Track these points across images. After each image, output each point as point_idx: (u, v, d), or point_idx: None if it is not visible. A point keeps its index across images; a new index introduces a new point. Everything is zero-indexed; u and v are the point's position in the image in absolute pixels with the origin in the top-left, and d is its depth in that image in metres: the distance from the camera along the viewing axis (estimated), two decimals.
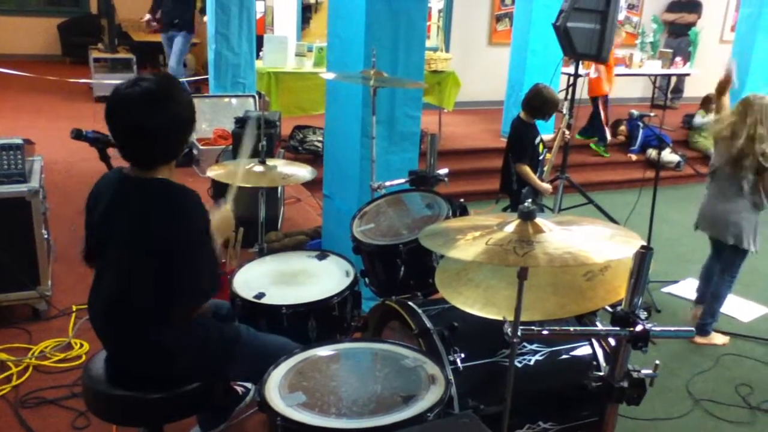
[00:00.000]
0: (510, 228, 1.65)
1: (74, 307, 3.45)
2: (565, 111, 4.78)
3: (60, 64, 9.83)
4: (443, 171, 3.04)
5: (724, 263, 3.78)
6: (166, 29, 7.73)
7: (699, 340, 3.85)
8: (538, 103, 4.47)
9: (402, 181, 3.14)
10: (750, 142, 3.47)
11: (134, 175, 1.95)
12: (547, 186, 4.53)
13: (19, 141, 3.26)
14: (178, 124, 1.90)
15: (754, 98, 3.55)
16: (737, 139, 3.50)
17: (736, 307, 4.35)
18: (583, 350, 2.17)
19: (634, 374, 1.69)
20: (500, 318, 1.74)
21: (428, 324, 2.09)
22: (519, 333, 1.67)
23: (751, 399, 3.37)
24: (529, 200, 1.73)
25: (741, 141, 3.48)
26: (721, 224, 3.67)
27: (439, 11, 9.04)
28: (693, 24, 9.61)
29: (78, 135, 2.61)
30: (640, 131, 7.57)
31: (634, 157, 7.72)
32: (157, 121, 1.86)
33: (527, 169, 4.41)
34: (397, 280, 2.57)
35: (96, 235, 2.00)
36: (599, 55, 5.65)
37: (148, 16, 7.97)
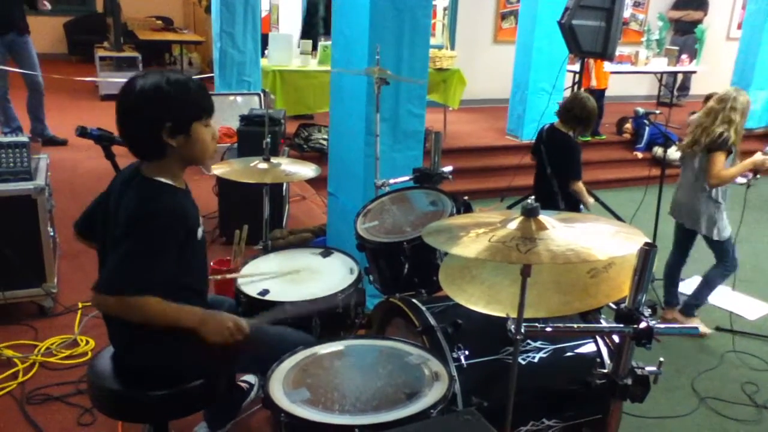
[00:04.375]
0: (513, 225, 1.65)
1: (80, 304, 3.46)
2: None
3: (66, 62, 9.88)
4: (447, 168, 3.04)
5: (716, 257, 3.86)
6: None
7: (678, 316, 3.96)
8: (583, 113, 4.14)
9: (406, 178, 3.13)
10: (708, 128, 3.62)
11: (143, 174, 1.97)
12: (592, 200, 4.31)
13: (25, 139, 3.28)
14: (153, 122, 1.90)
15: (731, 91, 3.69)
16: (699, 127, 3.67)
17: (743, 305, 4.34)
18: (588, 347, 2.16)
19: (638, 371, 1.69)
20: (504, 315, 1.73)
21: (432, 321, 2.09)
22: (522, 330, 1.67)
23: (757, 397, 3.36)
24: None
25: (702, 128, 3.66)
26: (690, 213, 3.80)
27: (444, 9, 9.04)
28: (699, 21, 9.58)
29: (83, 132, 2.63)
30: (646, 129, 7.56)
31: (639, 154, 7.71)
32: (136, 117, 1.90)
33: (582, 186, 4.12)
34: (401, 278, 2.57)
35: (103, 229, 2.02)
36: (605, 53, 5.65)
37: None
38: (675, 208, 3.94)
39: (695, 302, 3.94)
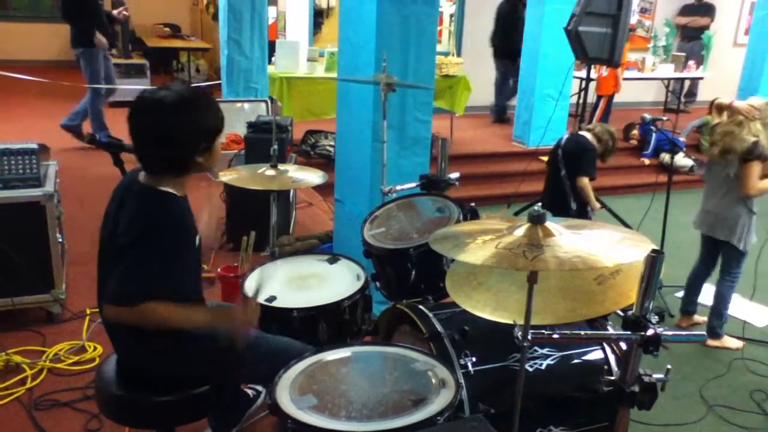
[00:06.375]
0: (520, 232, 1.65)
1: (88, 310, 3.48)
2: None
3: (75, 69, 9.86)
4: (454, 175, 3.04)
5: (723, 264, 3.80)
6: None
7: (711, 342, 3.84)
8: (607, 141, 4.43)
9: (413, 185, 3.14)
10: (738, 135, 3.56)
11: (143, 182, 1.97)
12: (598, 205, 4.43)
13: (34, 146, 3.30)
14: (188, 135, 1.92)
15: (755, 100, 3.67)
16: (729, 135, 3.59)
17: (750, 312, 4.31)
18: (595, 355, 2.16)
19: (646, 378, 1.68)
20: (511, 322, 1.73)
21: (439, 328, 2.09)
22: (529, 337, 1.67)
23: (766, 405, 3.33)
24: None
25: (732, 135, 3.57)
26: (714, 220, 3.73)
27: (451, 16, 9.06)
28: (706, 27, 9.56)
29: (92, 140, 2.64)
30: (653, 135, 7.55)
31: (647, 161, 7.70)
32: (167, 129, 1.90)
33: (589, 185, 4.22)
34: (407, 284, 2.57)
35: (102, 238, 2.03)
36: (611, 59, 5.64)
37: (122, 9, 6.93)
38: (703, 219, 3.81)
39: (719, 322, 3.85)
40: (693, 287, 4.05)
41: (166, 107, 1.89)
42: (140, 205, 1.94)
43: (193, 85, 1.99)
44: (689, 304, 4.08)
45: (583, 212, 4.32)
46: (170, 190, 1.96)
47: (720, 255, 3.83)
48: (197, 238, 2.03)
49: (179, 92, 1.91)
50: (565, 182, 4.28)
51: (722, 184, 3.69)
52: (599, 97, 7.53)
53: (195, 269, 2.11)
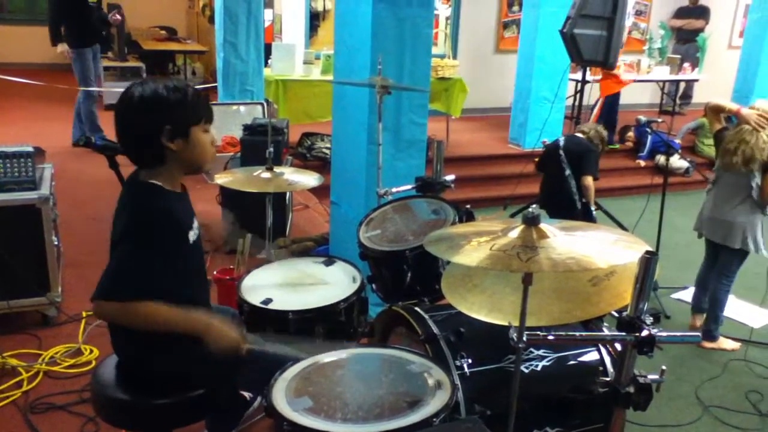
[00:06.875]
0: (514, 233, 1.65)
1: (84, 313, 3.48)
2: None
3: (70, 72, 9.91)
4: (449, 177, 3.05)
5: (721, 267, 3.80)
6: (92, 42, 6.52)
7: (707, 344, 3.85)
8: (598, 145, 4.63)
9: (408, 187, 3.14)
10: (756, 143, 3.53)
11: (139, 178, 1.98)
12: (594, 208, 4.57)
13: (29, 149, 3.30)
14: (152, 126, 1.91)
15: (762, 104, 3.63)
16: (745, 143, 3.55)
17: (746, 313, 4.33)
18: (591, 356, 2.16)
19: (641, 379, 1.68)
20: (506, 323, 1.74)
21: (435, 329, 2.10)
22: (524, 338, 1.67)
23: (761, 406, 3.35)
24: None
25: (750, 144, 3.53)
26: (727, 228, 3.68)
27: (446, 18, 9.07)
28: (701, 30, 9.59)
29: (87, 142, 2.65)
30: (649, 137, 7.58)
31: (642, 163, 7.72)
32: (135, 123, 1.92)
33: (592, 182, 4.31)
34: (403, 286, 2.57)
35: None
36: (606, 62, 5.67)
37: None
38: (714, 227, 3.76)
39: (715, 325, 3.86)
40: (702, 285, 4.03)
41: (125, 99, 1.90)
42: (127, 201, 1.95)
43: (177, 81, 1.98)
44: (700, 302, 4.07)
45: (587, 211, 4.39)
46: (157, 183, 1.95)
47: (719, 255, 3.82)
48: (192, 234, 2.02)
49: (150, 84, 1.92)
50: (570, 182, 4.33)
51: (739, 192, 3.63)
52: (598, 99, 7.57)
53: (192, 269, 2.10)
